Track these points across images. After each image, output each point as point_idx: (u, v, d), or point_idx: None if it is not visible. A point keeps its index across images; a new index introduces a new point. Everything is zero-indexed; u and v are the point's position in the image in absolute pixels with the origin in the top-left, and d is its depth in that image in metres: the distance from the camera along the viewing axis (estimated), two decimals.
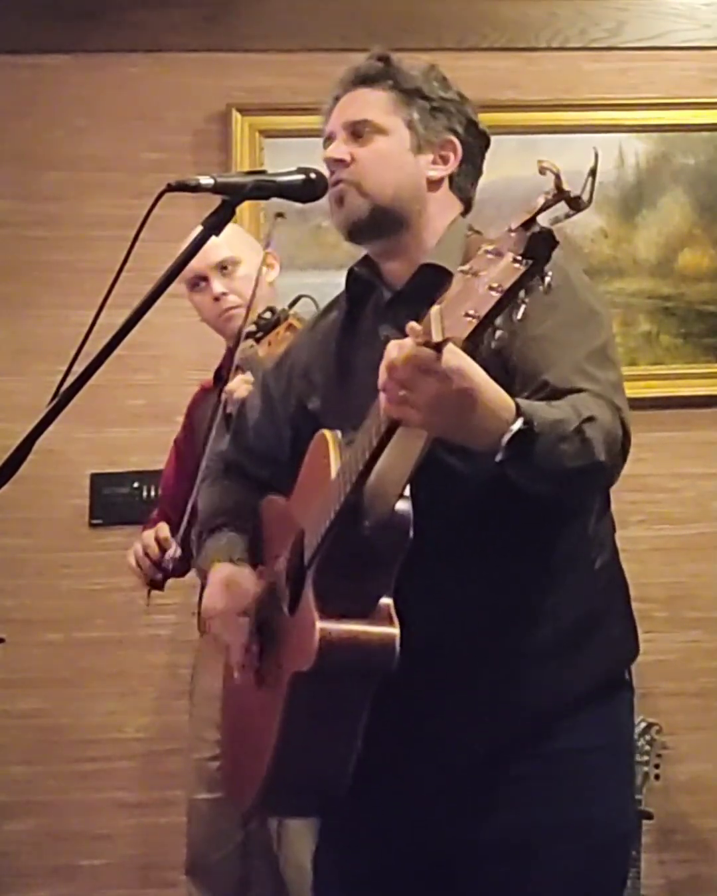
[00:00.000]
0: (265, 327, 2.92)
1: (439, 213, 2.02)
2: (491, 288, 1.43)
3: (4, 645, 2.69)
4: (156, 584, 3.11)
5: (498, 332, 1.47)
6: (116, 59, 3.78)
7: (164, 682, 3.71)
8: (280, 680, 1.90)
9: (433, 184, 2.03)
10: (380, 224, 2.01)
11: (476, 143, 2.07)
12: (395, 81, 2.03)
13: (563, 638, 1.93)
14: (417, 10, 3.79)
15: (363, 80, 2.05)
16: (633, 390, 3.55)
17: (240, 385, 2.84)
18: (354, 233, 2.03)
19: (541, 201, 1.44)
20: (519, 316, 1.45)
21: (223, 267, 3.03)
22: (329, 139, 2.07)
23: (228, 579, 2.10)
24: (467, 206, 2.08)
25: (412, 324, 1.54)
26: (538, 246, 1.43)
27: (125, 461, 3.72)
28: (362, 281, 2.10)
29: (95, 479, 3.74)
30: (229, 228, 3.13)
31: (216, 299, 3.04)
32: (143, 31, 3.76)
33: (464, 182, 2.06)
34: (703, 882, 3.76)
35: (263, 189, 1.92)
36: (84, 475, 3.74)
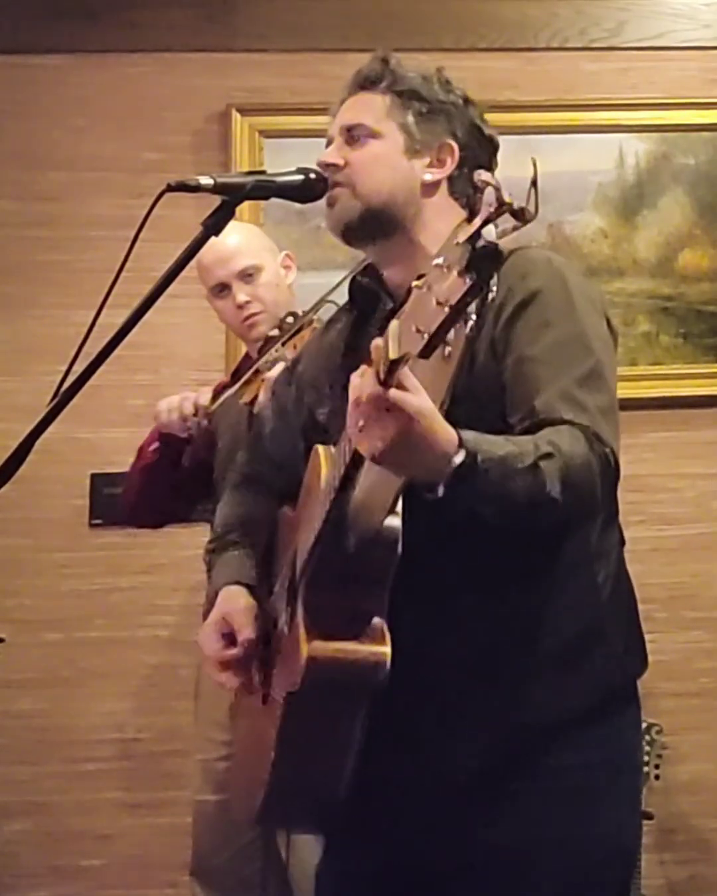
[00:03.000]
0: (289, 332, 2.94)
1: (437, 217, 1.99)
2: (439, 303, 1.41)
3: (4, 645, 2.69)
4: (170, 441, 3.12)
5: (447, 349, 1.45)
6: (116, 59, 3.78)
7: (164, 682, 3.70)
8: (278, 697, 1.89)
9: (429, 187, 2.01)
10: (371, 226, 1.99)
11: (481, 147, 2.05)
12: (392, 84, 2.02)
13: (562, 652, 1.91)
14: (416, 10, 3.79)
15: (363, 83, 2.04)
16: (633, 390, 3.62)
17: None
18: (347, 234, 2.02)
19: (483, 215, 1.42)
20: (467, 330, 1.44)
21: (246, 274, 3.06)
22: (330, 143, 2.06)
23: (223, 617, 2.04)
24: (472, 211, 2.06)
25: (376, 341, 1.54)
26: (481, 261, 1.41)
27: (125, 461, 3.70)
28: (366, 290, 2.08)
29: (95, 479, 3.74)
30: (250, 234, 3.18)
31: (239, 307, 3.07)
32: (143, 31, 3.76)
33: (465, 187, 2.02)
34: (703, 882, 3.76)
35: (263, 189, 1.92)
36: (84, 475, 3.74)
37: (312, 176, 1.95)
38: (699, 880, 3.76)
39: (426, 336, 1.43)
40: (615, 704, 1.97)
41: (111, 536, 3.70)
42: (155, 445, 3.17)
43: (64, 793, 3.71)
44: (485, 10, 3.83)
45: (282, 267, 3.15)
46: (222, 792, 3.04)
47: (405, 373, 1.51)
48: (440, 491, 1.63)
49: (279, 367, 2.83)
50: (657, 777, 3.34)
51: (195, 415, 3.05)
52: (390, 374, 1.52)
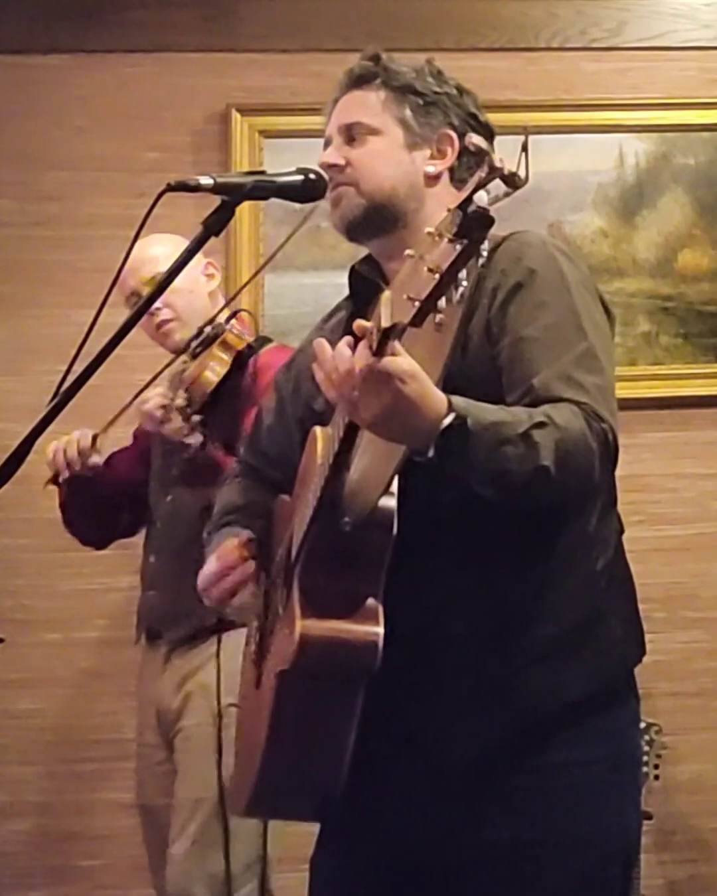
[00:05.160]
0: (204, 342, 2.91)
1: (440, 208, 1.98)
2: (430, 270, 1.42)
3: (4, 645, 2.69)
4: (55, 480, 3.11)
5: (439, 316, 1.46)
6: (116, 59, 3.78)
7: None
8: (271, 680, 1.89)
9: (431, 179, 2.02)
10: (376, 221, 2.01)
11: (479, 136, 2.06)
12: (386, 80, 2.03)
13: (561, 639, 1.90)
14: (416, 10, 3.79)
15: (356, 82, 2.05)
16: (633, 390, 3.63)
17: (154, 397, 2.88)
18: (352, 231, 2.04)
19: (475, 180, 1.43)
20: (457, 297, 1.44)
21: None
22: (328, 144, 2.07)
23: (218, 554, 2.06)
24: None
25: (359, 321, 1.56)
26: (472, 225, 1.41)
27: None
28: (365, 280, 2.09)
29: None
30: (163, 240, 3.05)
31: (150, 315, 2.98)
32: (143, 31, 3.76)
33: (466, 175, 2.01)
34: (703, 882, 3.76)
35: (263, 189, 1.92)
36: None
37: (312, 176, 1.95)
38: (698, 880, 3.76)
39: (417, 303, 1.44)
40: (614, 695, 1.97)
41: None
42: (58, 498, 3.18)
43: (63, 793, 3.71)
44: (485, 10, 3.83)
45: (203, 275, 3.10)
46: (166, 796, 3.04)
47: (394, 342, 1.52)
48: (431, 451, 1.64)
49: (155, 393, 2.89)
50: (656, 777, 3.34)
51: (92, 446, 3.01)
52: (383, 343, 1.53)
